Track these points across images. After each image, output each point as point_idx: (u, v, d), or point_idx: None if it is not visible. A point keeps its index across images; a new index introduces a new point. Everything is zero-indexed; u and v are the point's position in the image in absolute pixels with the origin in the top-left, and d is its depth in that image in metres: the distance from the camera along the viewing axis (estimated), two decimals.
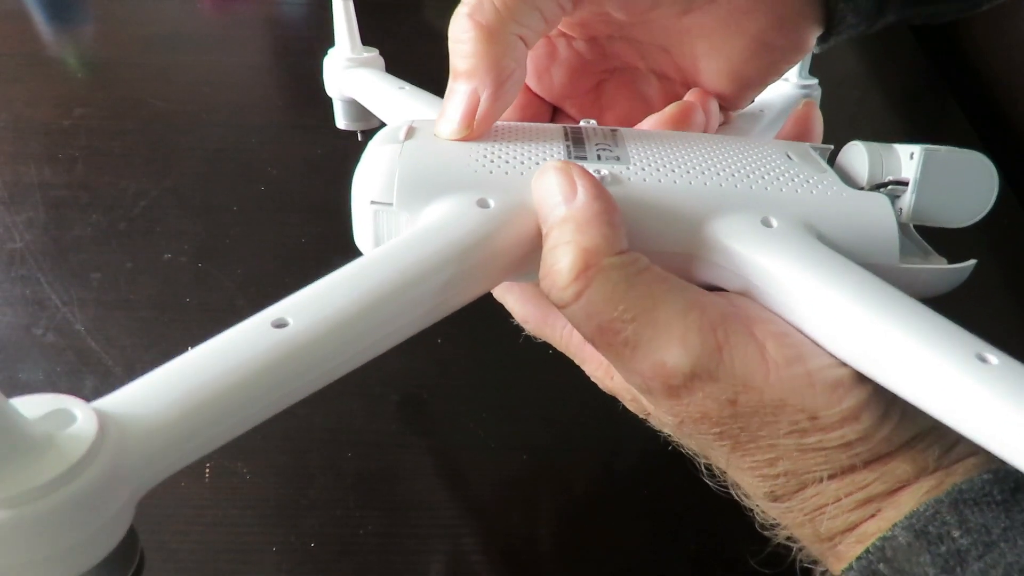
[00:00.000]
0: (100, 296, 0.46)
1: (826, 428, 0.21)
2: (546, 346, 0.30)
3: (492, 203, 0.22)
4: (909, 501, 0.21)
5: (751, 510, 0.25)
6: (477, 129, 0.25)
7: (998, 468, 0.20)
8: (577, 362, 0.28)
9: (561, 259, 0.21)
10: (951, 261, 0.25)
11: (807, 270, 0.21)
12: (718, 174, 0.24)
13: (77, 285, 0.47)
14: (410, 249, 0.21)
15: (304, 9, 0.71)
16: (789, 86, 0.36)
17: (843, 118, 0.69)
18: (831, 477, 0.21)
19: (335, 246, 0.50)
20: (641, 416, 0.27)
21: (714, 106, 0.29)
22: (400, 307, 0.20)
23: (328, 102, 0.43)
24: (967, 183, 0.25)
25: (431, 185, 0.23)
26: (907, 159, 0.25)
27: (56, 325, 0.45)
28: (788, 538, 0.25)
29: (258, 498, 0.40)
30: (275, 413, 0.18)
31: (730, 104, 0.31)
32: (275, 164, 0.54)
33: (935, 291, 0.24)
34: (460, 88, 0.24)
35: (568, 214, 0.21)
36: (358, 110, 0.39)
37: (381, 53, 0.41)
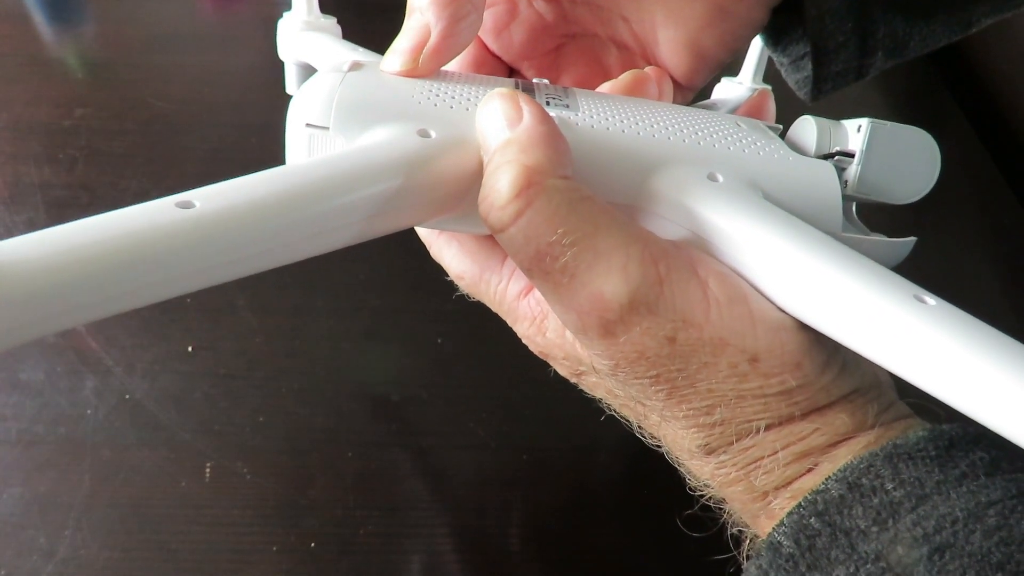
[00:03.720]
0: None
1: (767, 373, 0.20)
2: None
3: (433, 134, 0.22)
4: (846, 456, 0.20)
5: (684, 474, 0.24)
6: (423, 66, 0.24)
7: (933, 427, 0.20)
8: (509, 322, 0.27)
9: (502, 178, 0.20)
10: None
11: (751, 220, 0.21)
12: (667, 129, 0.24)
13: None
14: (340, 160, 0.20)
15: None
16: (743, 88, 0.37)
17: (842, 119, 0.69)
18: (769, 427, 0.21)
19: None
20: (572, 380, 0.26)
21: (668, 85, 0.29)
22: (318, 213, 0.19)
23: None
24: (911, 159, 0.26)
25: (370, 111, 0.22)
26: (854, 132, 0.26)
27: None
28: (719, 502, 0.24)
29: (258, 498, 0.40)
30: (169, 296, 0.17)
31: (686, 80, 0.31)
32: (275, 164, 0.54)
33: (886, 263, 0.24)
34: (412, 22, 0.24)
35: (512, 136, 0.20)
36: (311, 76, 0.39)
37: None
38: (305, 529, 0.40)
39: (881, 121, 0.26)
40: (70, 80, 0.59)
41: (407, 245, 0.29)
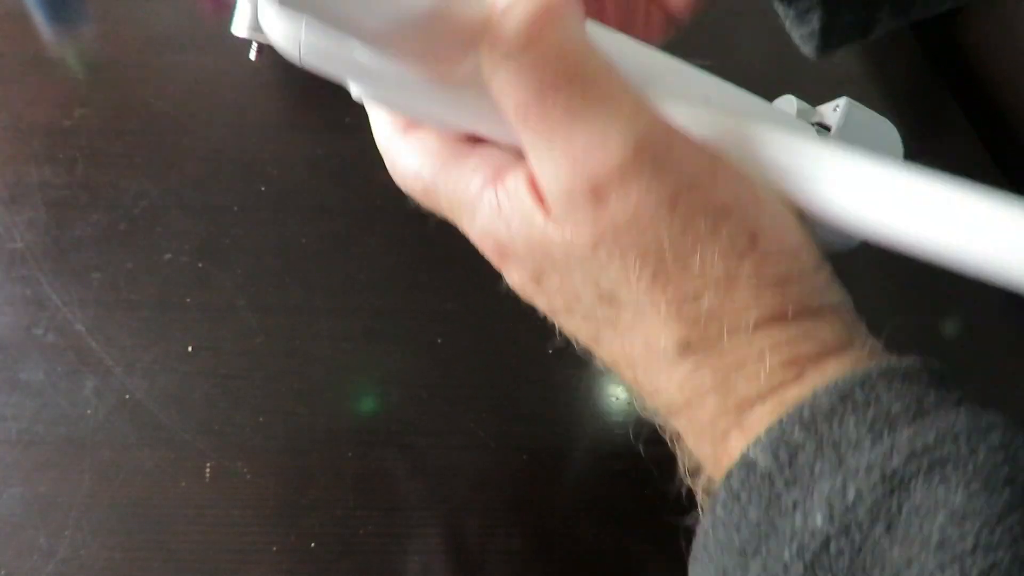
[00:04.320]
0: (100, 296, 0.46)
1: (764, 254, 0.19)
2: (546, 345, 0.30)
3: None
4: (836, 369, 0.19)
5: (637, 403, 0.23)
6: None
7: (926, 359, 0.20)
8: (466, 219, 0.23)
9: (521, 1, 0.18)
10: None
11: (748, 119, 0.22)
12: (662, 55, 0.24)
13: (77, 285, 0.47)
14: None
15: None
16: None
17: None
18: (757, 325, 0.19)
19: (335, 246, 0.50)
20: (527, 291, 0.23)
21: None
22: None
23: (328, 100, 0.42)
24: (878, 146, 0.28)
25: None
26: (831, 112, 0.29)
27: (56, 325, 0.45)
28: (672, 436, 0.22)
29: (258, 498, 0.40)
30: None
31: (680, 10, 0.30)
32: (275, 164, 0.54)
33: (843, 242, 0.26)
34: None
35: None
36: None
37: None
38: (305, 529, 0.40)
39: (856, 103, 0.28)
40: (70, 80, 0.59)
41: (406, 245, 0.29)
